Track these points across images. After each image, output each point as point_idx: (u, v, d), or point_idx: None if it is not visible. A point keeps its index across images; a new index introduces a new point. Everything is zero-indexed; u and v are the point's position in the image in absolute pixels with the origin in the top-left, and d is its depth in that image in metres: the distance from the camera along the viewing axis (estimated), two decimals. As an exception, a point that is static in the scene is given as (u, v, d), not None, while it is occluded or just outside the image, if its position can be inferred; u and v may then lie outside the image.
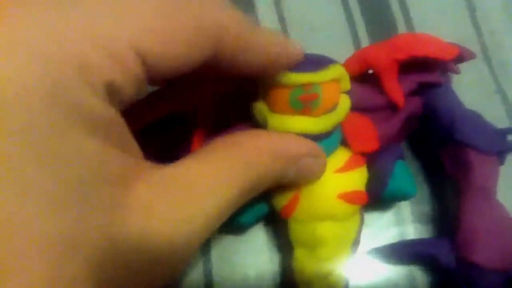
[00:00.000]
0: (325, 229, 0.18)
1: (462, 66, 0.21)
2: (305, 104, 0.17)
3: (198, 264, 0.21)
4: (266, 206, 0.19)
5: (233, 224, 0.19)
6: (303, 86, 0.17)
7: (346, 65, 0.20)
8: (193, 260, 0.21)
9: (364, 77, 0.20)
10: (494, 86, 0.23)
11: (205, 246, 0.21)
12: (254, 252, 0.21)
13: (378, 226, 0.22)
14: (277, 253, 0.21)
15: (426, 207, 0.22)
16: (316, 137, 0.17)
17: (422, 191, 0.22)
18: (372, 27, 0.24)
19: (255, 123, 0.18)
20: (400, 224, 0.22)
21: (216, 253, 0.21)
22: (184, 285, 0.21)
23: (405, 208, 0.22)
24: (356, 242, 0.19)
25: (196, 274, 0.21)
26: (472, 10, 0.25)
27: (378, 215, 0.22)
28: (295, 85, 0.16)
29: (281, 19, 0.24)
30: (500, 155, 0.20)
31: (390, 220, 0.22)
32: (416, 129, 0.21)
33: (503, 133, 0.20)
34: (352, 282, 0.20)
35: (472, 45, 0.23)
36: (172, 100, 0.19)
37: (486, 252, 0.18)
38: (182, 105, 0.19)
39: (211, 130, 0.19)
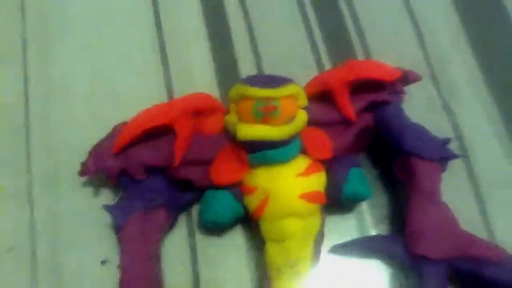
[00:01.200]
0: (290, 225, 0.21)
1: (413, 86, 0.25)
2: (265, 114, 0.20)
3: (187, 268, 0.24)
4: (242, 209, 0.22)
5: (211, 224, 0.22)
6: (264, 99, 0.20)
7: (307, 86, 0.23)
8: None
9: (323, 97, 0.23)
10: (440, 103, 0.27)
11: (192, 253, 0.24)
12: (235, 253, 0.24)
13: (341, 231, 0.24)
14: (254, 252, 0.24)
15: (385, 211, 0.25)
16: (276, 144, 0.21)
17: (381, 196, 0.25)
18: (334, 53, 0.28)
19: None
20: (362, 228, 0.24)
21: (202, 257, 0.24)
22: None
23: (366, 212, 0.25)
24: (319, 236, 0.22)
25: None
26: (420, 35, 0.29)
27: (341, 220, 0.24)
28: (257, 98, 0.20)
29: (255, 50, 0.28)
30: (442, 162, 0.23)
31: (353, 225, 0.25)
32: (371, 143, 0.24)
33: (444, 142, 0.23)
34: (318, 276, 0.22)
35: (421, 67, 0.27)
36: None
37: (430, 245, 0.21)
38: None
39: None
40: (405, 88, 0.25)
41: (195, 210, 0.25)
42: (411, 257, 0.22)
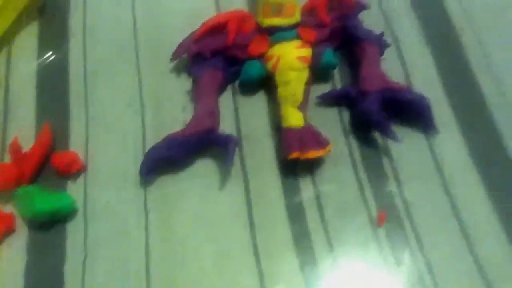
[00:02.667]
0: (291, 74, 0.39)
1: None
2: (277, 11, 0.39)
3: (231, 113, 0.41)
4: (264, 70, 0.40)
5: (248, 79, 0.40)
6: (277, 3, 0.38)
7: (303, 6, 0.41)
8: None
9: (311, 13, 0.41)
10: (382, 17, 0.45)
11: (234, 104, 0.42)
12: (260, 102, 0.41)
13: (323, 90, 0.41)
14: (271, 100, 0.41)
15: (349, 74, 0.42)
16: (284, 29, 0.39)
17: (347, 66, 0.42)
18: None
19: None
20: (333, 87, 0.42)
21: (241, 108, 0.42)
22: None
23: (337, 79, 0.42)
24: (308, 83, 0.39)
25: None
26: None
27: (321, 85, 0.41)
28: (274, 2, 0.39)
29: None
30: (380, 47, 0.41)
31: (329, 87, 0.42)
32: (339, 43, 0.42)
33: (381, 35, 0.41)
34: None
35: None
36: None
37: (371, 84, 0.38)
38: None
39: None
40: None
41: (236, 83, 0.42)
42: (359, 92, 0.39)
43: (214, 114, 0.38)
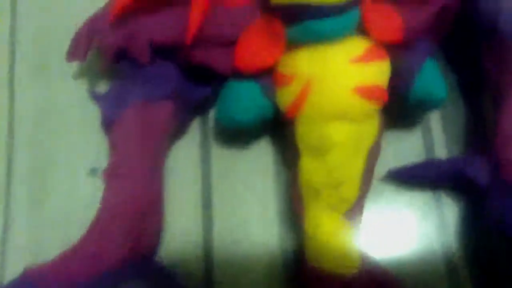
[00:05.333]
0: (336, 130, 0.16)
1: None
2: None
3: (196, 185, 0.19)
4: (271, 106, 0.17)
5: (229, 123, 0.17)
6: None
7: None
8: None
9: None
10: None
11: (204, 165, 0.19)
12: (258, 168, 0.19)
13: (402, 150, 0.19)
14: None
15: (459, 126, 0.19)
16: (324, 10, 0.15)
17: (456, 107, 0.19)
18: None
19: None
20: (429, 148, 0.19)
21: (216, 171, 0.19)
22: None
23: (435, 126, 0.19)
24: (374, 150, 0.16)
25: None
26: None
27: (402, 136, 0.19)
28: None
29: None
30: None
31: (417, 144, 0.19)
32: (451, 32, 0.18)
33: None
34: (368, 209, 0.17)
35: None
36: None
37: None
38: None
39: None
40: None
41: (212, 114, 0.20)
42: (499, 183, 0.16)
43: (138, 219, 0.16)
